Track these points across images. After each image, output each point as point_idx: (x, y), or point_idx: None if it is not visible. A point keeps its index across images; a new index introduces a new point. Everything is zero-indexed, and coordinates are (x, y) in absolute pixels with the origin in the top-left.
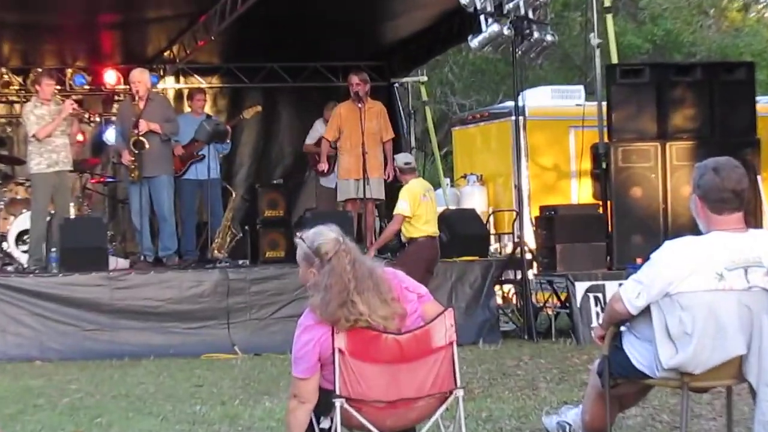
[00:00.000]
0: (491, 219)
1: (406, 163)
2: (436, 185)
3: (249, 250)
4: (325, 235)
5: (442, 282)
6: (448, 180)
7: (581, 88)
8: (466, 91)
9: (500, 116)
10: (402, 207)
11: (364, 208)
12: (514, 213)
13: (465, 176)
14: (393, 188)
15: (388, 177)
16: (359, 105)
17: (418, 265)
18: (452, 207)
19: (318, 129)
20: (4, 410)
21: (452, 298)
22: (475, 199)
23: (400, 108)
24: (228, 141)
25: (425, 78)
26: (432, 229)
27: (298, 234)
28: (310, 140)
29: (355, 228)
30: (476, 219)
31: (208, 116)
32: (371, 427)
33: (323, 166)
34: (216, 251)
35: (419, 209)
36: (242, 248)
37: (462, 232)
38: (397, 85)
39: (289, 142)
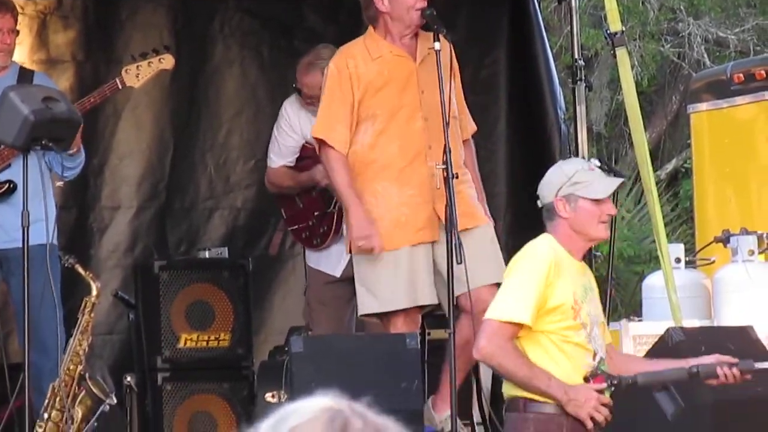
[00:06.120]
0: None
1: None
2: (647, 256)
3: None
4: (306, 410)
5: None
6: (678, 247)
7: None
8: (725, 13)
9: None
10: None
11: (465, 313)
12: None
13: (724, 237)
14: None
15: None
16: (405, 44)
17: None
18: (692, 323)
19: (293, 124)
20: None
21: None
22: (760, 296)
23: (547, 50)
24: (75, 148)
25: None
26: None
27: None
28: (278, 158)
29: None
30: None
31: (24, 73)
32: None
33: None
34: None
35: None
36: None
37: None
38: None
39: (245, 145)
